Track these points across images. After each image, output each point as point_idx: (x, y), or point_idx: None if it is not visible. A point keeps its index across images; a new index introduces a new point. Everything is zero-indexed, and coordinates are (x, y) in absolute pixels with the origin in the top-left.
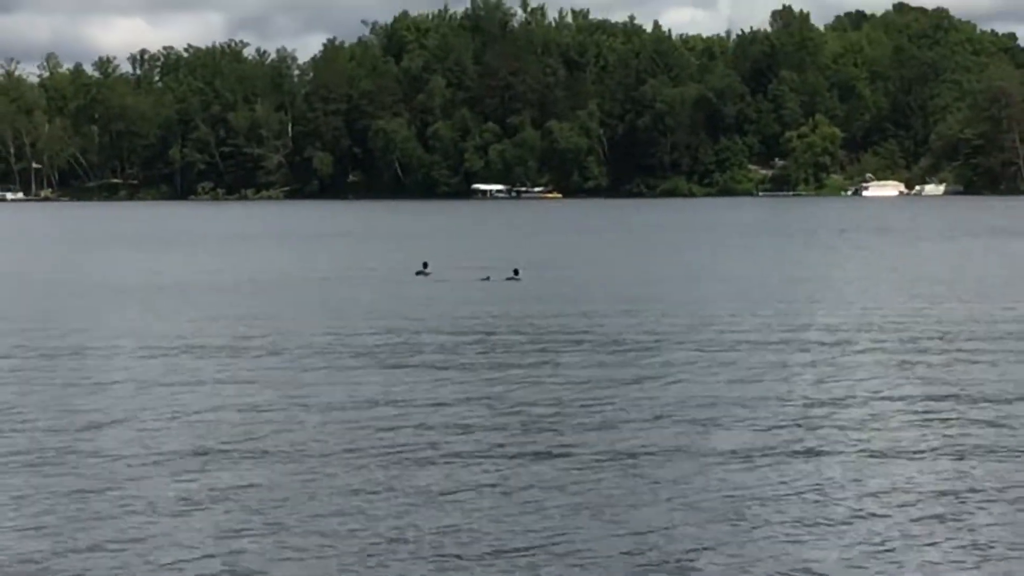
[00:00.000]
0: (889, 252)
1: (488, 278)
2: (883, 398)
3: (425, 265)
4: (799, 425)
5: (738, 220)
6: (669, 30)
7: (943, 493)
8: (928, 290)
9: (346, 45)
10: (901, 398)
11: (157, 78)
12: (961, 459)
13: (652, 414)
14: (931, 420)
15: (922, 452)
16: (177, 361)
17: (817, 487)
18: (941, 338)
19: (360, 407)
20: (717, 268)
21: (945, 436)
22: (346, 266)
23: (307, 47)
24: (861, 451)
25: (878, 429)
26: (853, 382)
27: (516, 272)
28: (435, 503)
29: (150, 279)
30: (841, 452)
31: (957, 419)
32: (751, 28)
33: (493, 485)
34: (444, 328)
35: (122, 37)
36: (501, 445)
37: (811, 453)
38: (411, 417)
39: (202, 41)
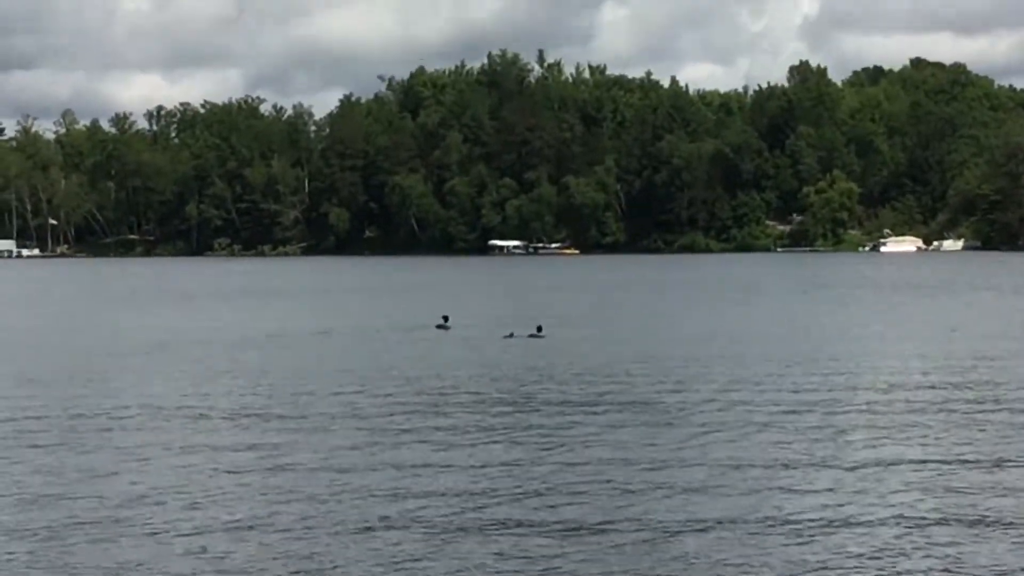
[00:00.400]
0: (923, 309)
1: (512, 335)
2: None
3: (445, 319)
4: (842, 491)
5: (758, 276)
6: (686, 85)
7: None
8: (955, 347)
9: (363, 101)
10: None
11: (174, 134)
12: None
13: (681, 482)
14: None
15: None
16: (202, 425)
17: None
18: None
19: (385, 471)
20: (744, 326)
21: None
22: (367, 321)
23: (324, 103)
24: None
25: (923, 491)
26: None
27: (539, 329)
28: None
29: (167, 336)
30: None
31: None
32: (768, 83)
33: (525, 558)
34: (471, 388)
35: (140, 93)
36: (531, 520)
37: (860, 523)
38: (440, 482)
39: (219, 97)
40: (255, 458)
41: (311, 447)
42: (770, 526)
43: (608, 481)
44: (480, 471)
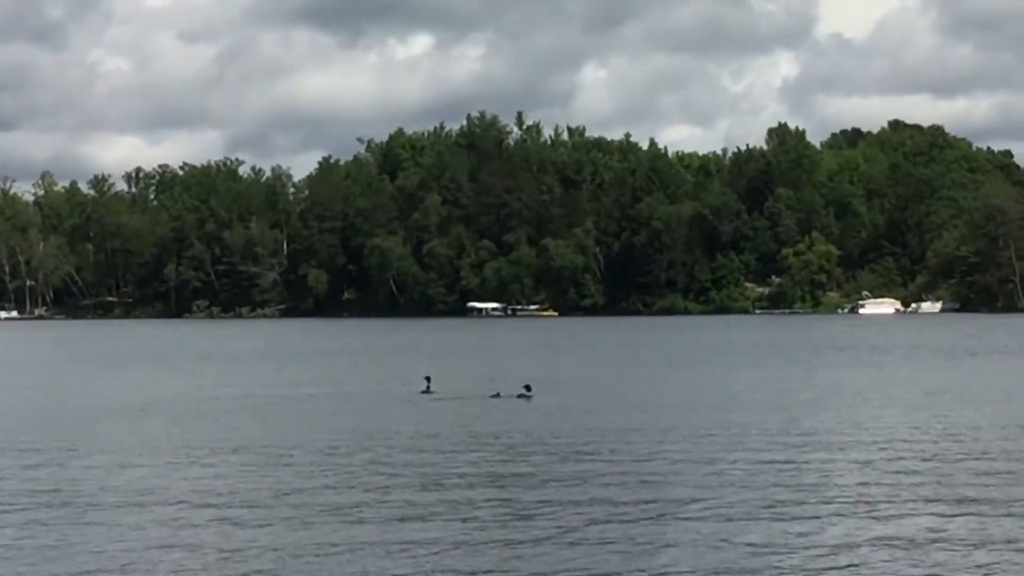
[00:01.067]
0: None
1: (498, 394)
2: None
3: (428, 380)
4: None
5: (741, 339)
6: (665, 148)
7: None
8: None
9: (341, 163)
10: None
11: (152, 196)
12: None
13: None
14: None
15: None
16: (185, 487)
17: None
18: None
19: (372, 548)
20: (729, 389)
21: None
22: (352, 384)
23: (305, 165)
24: None
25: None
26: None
27: (528, 388)
28: None
29: (151, 398)
30: None
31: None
32: (747, 145)
33: None
34: (463, 448)
35: (120, 155)
36: None
37: None
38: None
39: (200, 159)
40: (246, 538)
41: (292, 516)
42: None
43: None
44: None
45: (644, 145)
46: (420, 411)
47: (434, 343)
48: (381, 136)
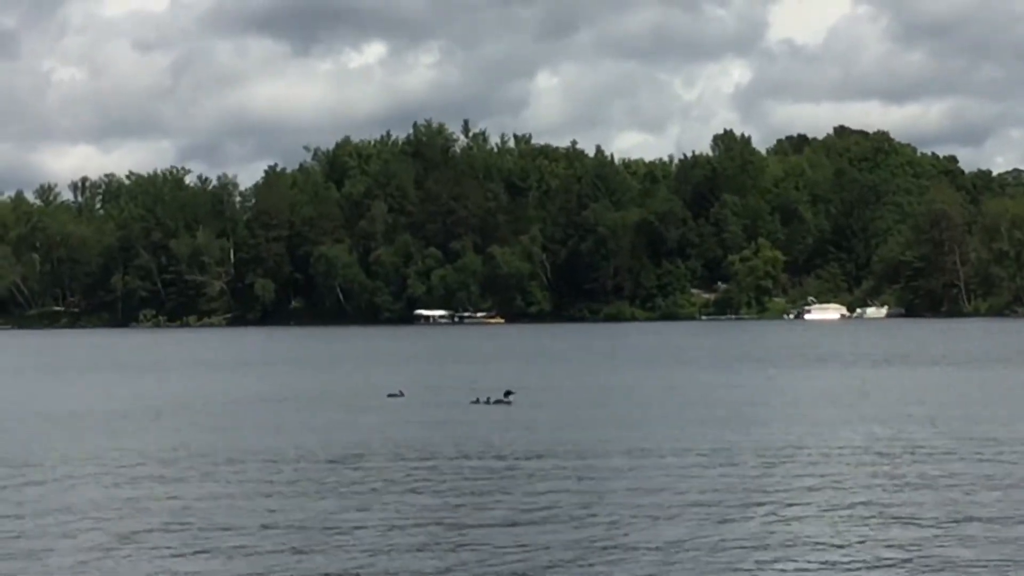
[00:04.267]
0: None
1: (478, 400)
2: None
3: (401, 393)
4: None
5: (684, 346)
6: (611, 155)
7: None
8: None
9: (288, 171)
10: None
11: (99, 205)
12: None
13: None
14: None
15: None
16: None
17: None
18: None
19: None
20: (704, 393)
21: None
22: (323, 389)
23: (258, 174)
24: None
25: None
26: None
27: (507, 394)
28: None
29: (113, 405)
30: None
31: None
32: (693, 152)
33: None
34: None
35: (71, 164)
36: None
37: None
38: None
39: (152, 168)
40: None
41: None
42: None
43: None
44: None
45: (591, 152)
46: (390, 416)
47: (391, 350)
48: (328, 144)
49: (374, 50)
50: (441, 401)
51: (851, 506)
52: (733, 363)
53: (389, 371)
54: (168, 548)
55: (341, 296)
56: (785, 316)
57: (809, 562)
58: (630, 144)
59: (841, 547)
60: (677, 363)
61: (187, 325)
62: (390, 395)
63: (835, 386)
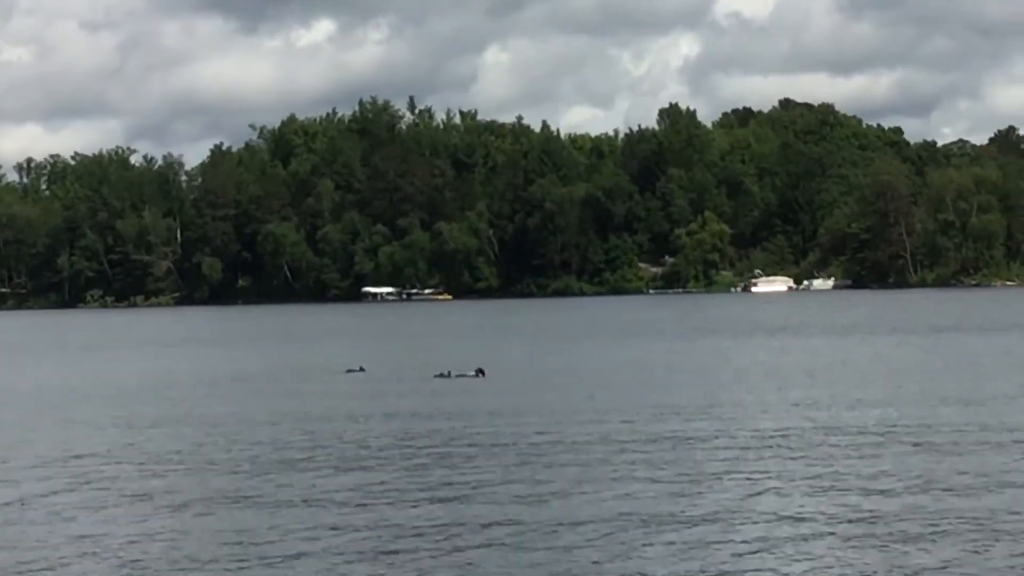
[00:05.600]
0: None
1: (443, 375)
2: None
3: (360, 367)
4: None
5: (636, 319)
6: (557, 130)
7: None
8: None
9: (234, 150)
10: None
11: (44, 186)
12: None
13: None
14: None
15: None
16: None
17: None
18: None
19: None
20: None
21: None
22: (289, 366)
23: (204, 153)
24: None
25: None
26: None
27: (481, 372)
28: None
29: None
30: None
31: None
32: (640, 126)
33: None
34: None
35: (18, 145)
36: None
37: None
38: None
39: (100, 148)
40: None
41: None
42: None
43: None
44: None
45: (537, 127)
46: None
47: (341, 327)
48: (273, 123)
49: (323, 27)
50: (403, 376)
51: (814, 476)
52: (697, 336)
53: (344, 348)
54: (126, 519)
55: (288, 274)
56: (732, 289)
57: (755, 538)
58: (580, 119)
59: (787, 519)
60: (631, 336)
61: (135, 305)
62: (349, 371)
63: (793, 358)
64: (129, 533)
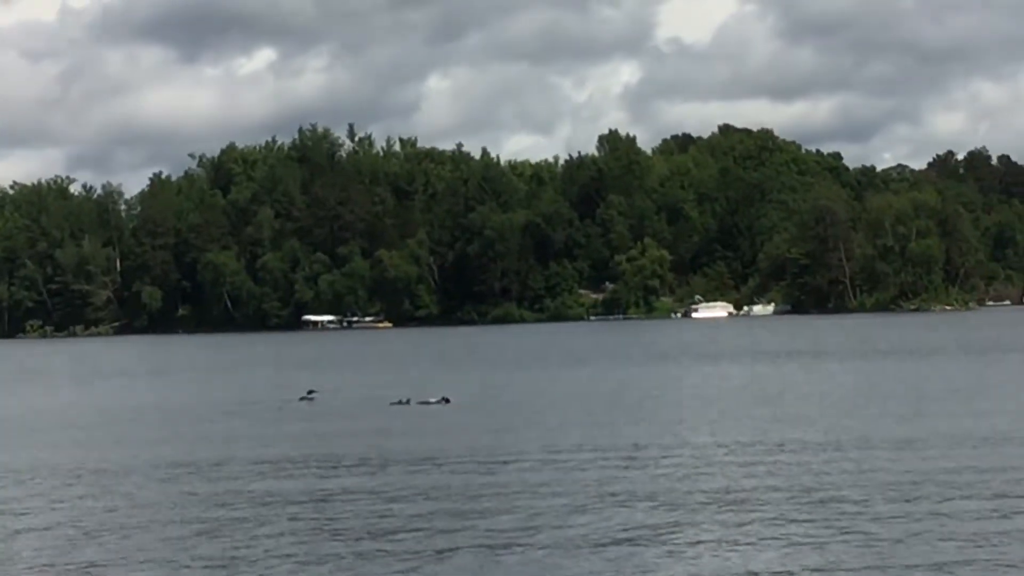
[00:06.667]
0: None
1: (400, 402)
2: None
3: (310, 392)
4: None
5: (577, 345)
6: (497, 156)
7: None
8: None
9: (173, 179)
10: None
11: None
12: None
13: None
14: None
15: None
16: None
17: None
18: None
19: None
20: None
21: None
22: (232, 397)
23: (145, 182)
24: None
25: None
26: None
27: (446, 400)
28: None
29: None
30: None
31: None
32: (579, 153)
33: None
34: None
35: None
36: None
37: None
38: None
39: (43, 177)
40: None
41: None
42: None
43: None
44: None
45: (477, 155)
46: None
47: (284, 356)
48: (213, 151)
49: (264, 55)
50: (357, 403)
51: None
52: (647, 361)
53: (292, 376)
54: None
55: (229, 303)
56: (672, 315)
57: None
58: (521, 146)
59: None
60: (575, 362)
61: (74, 335)
62: (302, 398)
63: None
64: None
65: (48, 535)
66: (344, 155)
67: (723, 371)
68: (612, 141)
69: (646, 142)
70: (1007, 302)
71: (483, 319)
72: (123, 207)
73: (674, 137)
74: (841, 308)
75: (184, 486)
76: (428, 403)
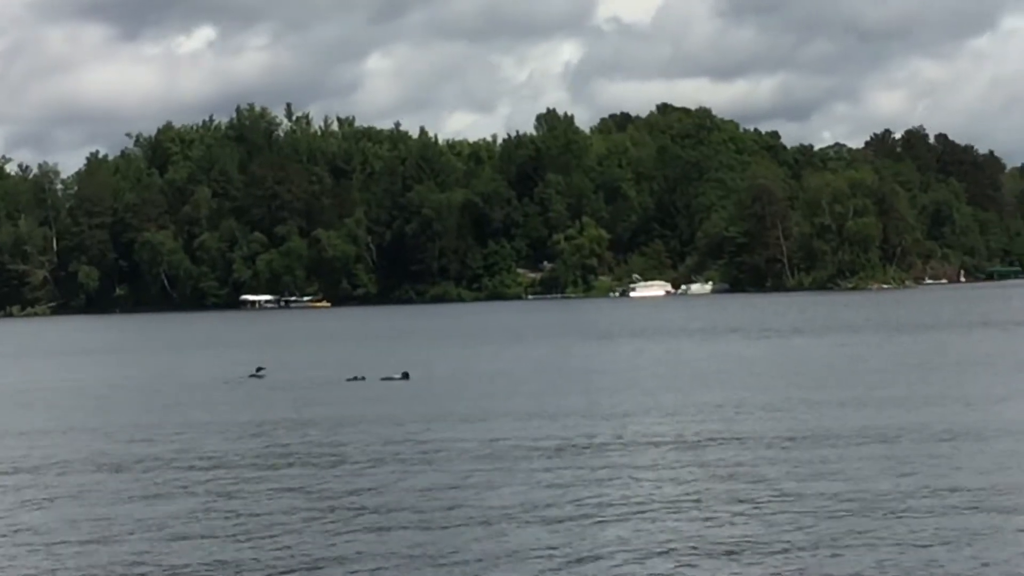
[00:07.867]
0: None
1: (355, 378)
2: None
3: (259, 369)
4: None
5: (515, 324)
6: (435, 136)
7: None
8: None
9: (110, 158)
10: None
11: None
12: None
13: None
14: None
15: None
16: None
17: None
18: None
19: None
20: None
21: None
22: (179, 374)
23: (84, 161)
24: None
25: None
26: None
27: (406, 375)
28: None
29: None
30: None
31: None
32: (517, 132)
33: None
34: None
35: None
36: None
37: None
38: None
39: None
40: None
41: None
42: None
43: None
44: None
45: (415, 134)
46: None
47: (224, 335)
48: (150, 130)
49: (204, 34)
50: (310, 379)
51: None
52: (588, 339)
53: (235, 355)
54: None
55: (166, 282)
56: (611, 294)
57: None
58: (461, 125)
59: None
60: (516, 340)
61: (10, 315)
62: (251, 375)
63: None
64: None
65: None
66: (282, 135)
67: (652, 348)
68: (550, 120)
69: (586, 121)
70: (944, 280)
71: (421, 298)
72: (60, 187)
73: (612, 116)
74: (779, 287)
75: (146, 460)
76: (392, 379)
